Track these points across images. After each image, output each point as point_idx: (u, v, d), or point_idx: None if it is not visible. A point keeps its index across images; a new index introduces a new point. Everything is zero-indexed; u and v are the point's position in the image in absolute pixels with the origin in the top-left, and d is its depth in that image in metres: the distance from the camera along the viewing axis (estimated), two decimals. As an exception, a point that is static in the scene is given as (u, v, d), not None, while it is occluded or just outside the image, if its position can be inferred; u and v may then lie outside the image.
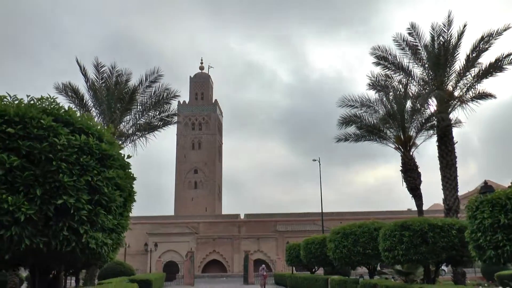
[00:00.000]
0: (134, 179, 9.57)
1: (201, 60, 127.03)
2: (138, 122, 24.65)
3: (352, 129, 26.82)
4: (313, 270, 35.10)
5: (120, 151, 9.03)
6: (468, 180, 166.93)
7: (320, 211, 76.42)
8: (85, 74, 23.60)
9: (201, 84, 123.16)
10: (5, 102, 7.48)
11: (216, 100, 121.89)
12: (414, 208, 29.92)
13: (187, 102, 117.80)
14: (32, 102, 7.71)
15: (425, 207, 29.04)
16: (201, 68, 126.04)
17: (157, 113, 24.65)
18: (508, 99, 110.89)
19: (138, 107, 24.57)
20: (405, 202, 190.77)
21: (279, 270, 50.22)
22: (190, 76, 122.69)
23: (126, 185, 8.75)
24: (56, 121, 7.55)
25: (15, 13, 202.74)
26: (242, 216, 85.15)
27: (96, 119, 24.27)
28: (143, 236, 74.46)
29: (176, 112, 25.15)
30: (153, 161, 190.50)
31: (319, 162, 50.47)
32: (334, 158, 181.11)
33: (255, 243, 74.30)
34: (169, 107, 24.80)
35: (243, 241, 75.16)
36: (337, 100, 25.97)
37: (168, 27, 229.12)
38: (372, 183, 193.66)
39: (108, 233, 8.23)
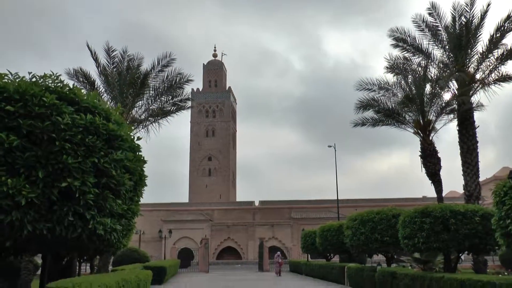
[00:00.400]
0: (144, 162, 9.07)
1: (214, 47, 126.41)
2: (151, 107, 24.13)
3: (369, 114, 26.07)
4: (329, 257, 34.66)
5: (129, 133, 8.52)
6: (485, 167, 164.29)
7: (335, 198, 76.03)
8: (96, 59, 23.09)
9: (214, 71, 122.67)
10: (5, 80, 6.98)
11: (229, 87, 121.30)
12: (430, 195, 28.90)
13: (200, 90, 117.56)
14: (34, 79, 7.19)
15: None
16: (215, 55, 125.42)
17: (169, 98, 24.10)
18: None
19: (151, 92, 23.99)
20: (419, 189, 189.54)
21: (294, 258, 49.91)
22: (204, 64, 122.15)
23: (136, 168, 8.23)
24: (59, 99, 6.98)
25: (23, 4, 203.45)
26: (256, 203, 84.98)
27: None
28: (158, 223, 74.76)
29: (190, 96, 24.54)
30: (167, 149, 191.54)
31: (335, 148, 49.75)
32: (348, 146, 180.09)
33: (269, 230, 74.09)
34: (182, 92, 24.31)
35: (257, 228, 74.98)
36: (354, 83, 25.20)
37: (180, 15, 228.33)
38: (386, 171, 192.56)
39: (117, 218, 7.74)
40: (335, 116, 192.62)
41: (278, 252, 40.31)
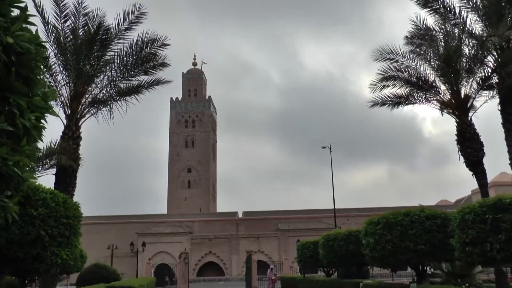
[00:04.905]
0: (42, 45, 3.80)
1: (194, 55, 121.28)
2: (115, 79, 18.36)
3: (388, 91, 20.97)
4: (330, 272, 29.53)
5: None
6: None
7: (323, 208, 71.12)
8: (41, 13, 17.25)
9: (194, 80, 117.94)
10: None
11: (209, 96, 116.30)
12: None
13: (179, 99, 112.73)
14: None
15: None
16: (194, 64, 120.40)
17: (139, 62, 18.12)
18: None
19: (115, 60, 18.39)
20: (396, 201, 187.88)
21: (286, 273, 44.31)
22: (183, 72, 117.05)
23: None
24: None
25: None
26: (240, 215, 79.20)
27: (59, 77, 18.33)
28: (133, 236, 68.18)
29: (165, 61, 18.67)
30: (145, 161, 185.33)
31: (330, 148, 44.74)
32: (326, 160, 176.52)
33: (255, 243, 68.14)
34: (155, 58, 18.41)
35: (241, 241, 69.08)
36: (372, 51, 20.11)
37: (160, 23, 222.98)
38: (362, 184, 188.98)
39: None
40: (313, 130, 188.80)
41: (272, 266, 34.77)
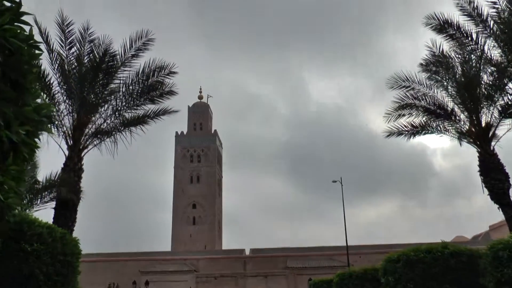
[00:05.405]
0: (37, 47, 2.96)
1: (200, 89, 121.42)
2: (120, 109, 17.59)
3: (405, 120, 20.10)
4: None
5: None
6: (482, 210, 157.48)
7: (335, 245, 68.96)
8: (46, 41, 16.65)
9: (200, 114, 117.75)
10: None
11: (215, 130, 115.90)
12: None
13: (185, 133, 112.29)
14: None
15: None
16: (200, 97, 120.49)
17: (145, 91, 17.35)
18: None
19: (121, 88, 17.67)
20: (409, 237, 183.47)
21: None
22: (189, 106, 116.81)
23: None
24: None
25: None
26: (247, 252, 77.16)
27: (62, 106, 17.58)
28: (136, 274, 66.29)
29: (172, 89, 17.91)
30: (149, 197, 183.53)
31: (341, 182, 43.58)
32: (334, 195, 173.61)
33: (262, 282, 65.94)
34: (162, 86, 17.69)
35: (249, 279, 66.88)
36: (387, 79, 19.35)
37: (166, 55, 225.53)
38: (372, 220, 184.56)
39: None
40: (321, 163, 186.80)
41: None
